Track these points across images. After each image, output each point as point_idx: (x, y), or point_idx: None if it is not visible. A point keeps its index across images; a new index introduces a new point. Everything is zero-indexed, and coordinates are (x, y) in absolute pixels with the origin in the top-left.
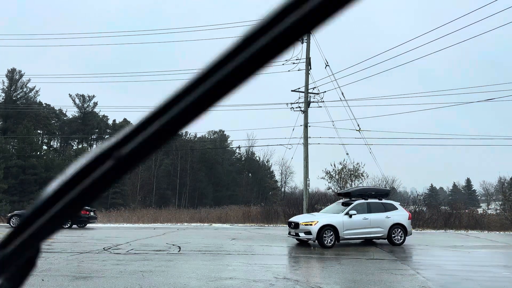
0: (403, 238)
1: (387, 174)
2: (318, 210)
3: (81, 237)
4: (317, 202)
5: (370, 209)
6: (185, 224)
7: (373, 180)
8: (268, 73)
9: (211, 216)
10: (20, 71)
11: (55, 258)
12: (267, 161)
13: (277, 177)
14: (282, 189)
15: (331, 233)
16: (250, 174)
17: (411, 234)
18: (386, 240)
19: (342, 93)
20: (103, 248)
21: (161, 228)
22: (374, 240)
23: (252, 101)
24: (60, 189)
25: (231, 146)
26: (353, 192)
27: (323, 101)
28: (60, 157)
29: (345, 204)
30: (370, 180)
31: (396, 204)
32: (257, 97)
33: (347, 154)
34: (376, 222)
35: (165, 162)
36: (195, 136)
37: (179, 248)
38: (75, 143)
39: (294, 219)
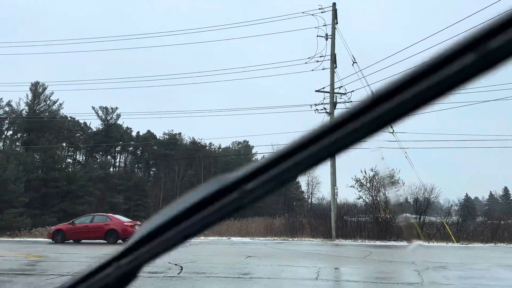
0: None
1: (426, 181)
2: (347, 222)
3: (76, 255)
4: (347, 213)
5: None
6: (202, 238)
7: (410, 188)
8: (290, 73)
9: (231, 228)
10: (43, 84)
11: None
12: None
13: (303, 187)
14: (309, 200)
15: None
16: None
17: None
18: None
19: (372, 92)
20: None
21: None
22: None
23: (274, 104)
24: (181, 213)
25: (255, 157)
26: None
27: (351, 101)
28: (83, 169)
29: None
30: (407, 188)
31: None
32: (279, 100)
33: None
34: None
35: (188, 173)
36: (219, 147)
37: (181, 268)
38: (99, 155)
39: None
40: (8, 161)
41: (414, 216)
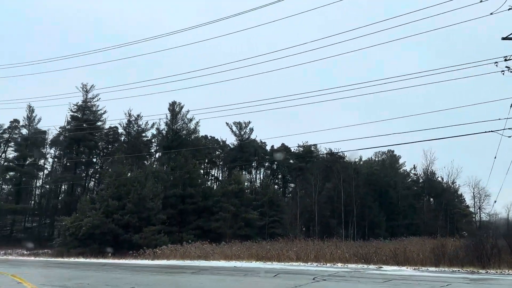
0: None
1: None
2: None
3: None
4: None
5: None
6: (339, 265)
7: None
8: (456, 23)
9: (382, 251)
10: (180, 103)
11: None
12: (453, 182)
13: (468, 201)
14: (476, 217)
15: None
16: (431, 199)
17: None
18: None
19: None
20: None
21: (287, 273)
22: None
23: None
24: None
25: (403, 168)
26: None
27: None
28: (219, 185)
29: None
30: None
31: None
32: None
33: None
34: None
35: (326, 187)
36: (360, 159)
37: None
38: (236, 171)
39: None
40: (147, 179)
41: None
